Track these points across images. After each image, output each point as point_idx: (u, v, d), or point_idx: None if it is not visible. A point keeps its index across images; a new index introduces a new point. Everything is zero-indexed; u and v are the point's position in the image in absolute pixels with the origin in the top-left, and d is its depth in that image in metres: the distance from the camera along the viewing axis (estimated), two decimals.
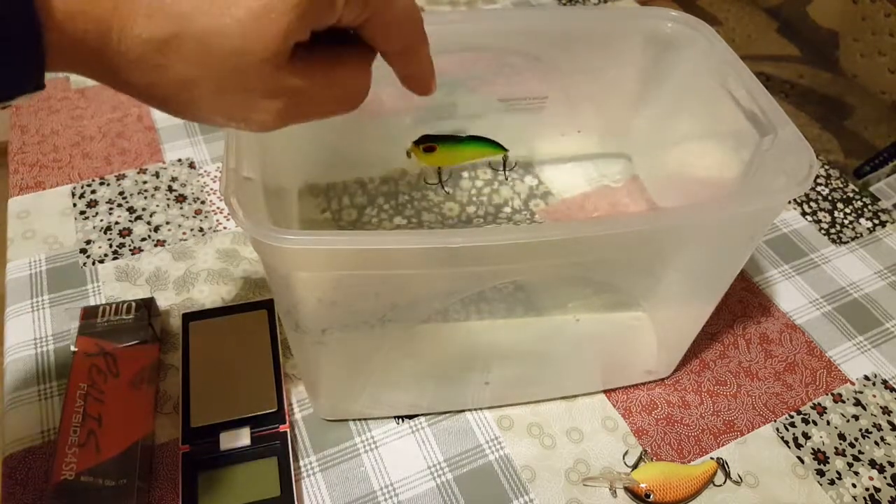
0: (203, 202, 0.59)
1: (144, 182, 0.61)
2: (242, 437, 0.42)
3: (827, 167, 0.67)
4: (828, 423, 0.48)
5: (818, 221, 0.62)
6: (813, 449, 0.47)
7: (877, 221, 0.62)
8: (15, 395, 0.46)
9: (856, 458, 0.47)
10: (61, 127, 0.65)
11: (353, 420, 0.46)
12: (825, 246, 0.60)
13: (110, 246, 0.56)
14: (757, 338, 0.53)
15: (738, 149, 0.42)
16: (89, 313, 0.47)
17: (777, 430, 0.48)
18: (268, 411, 0.44)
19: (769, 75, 0.77)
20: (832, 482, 0.45)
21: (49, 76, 0.23)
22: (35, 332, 0.50)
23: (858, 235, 0.61)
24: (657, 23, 0.47)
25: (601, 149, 0.58)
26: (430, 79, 0.30)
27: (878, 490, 0.45)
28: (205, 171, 0.62)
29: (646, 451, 0.46)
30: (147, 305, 0.48)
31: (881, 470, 0.46)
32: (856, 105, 0.73)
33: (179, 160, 0.63)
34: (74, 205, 0.59)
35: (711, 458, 0.46)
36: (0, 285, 0.55)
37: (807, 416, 0.49)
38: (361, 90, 0.27)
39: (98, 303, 0.51)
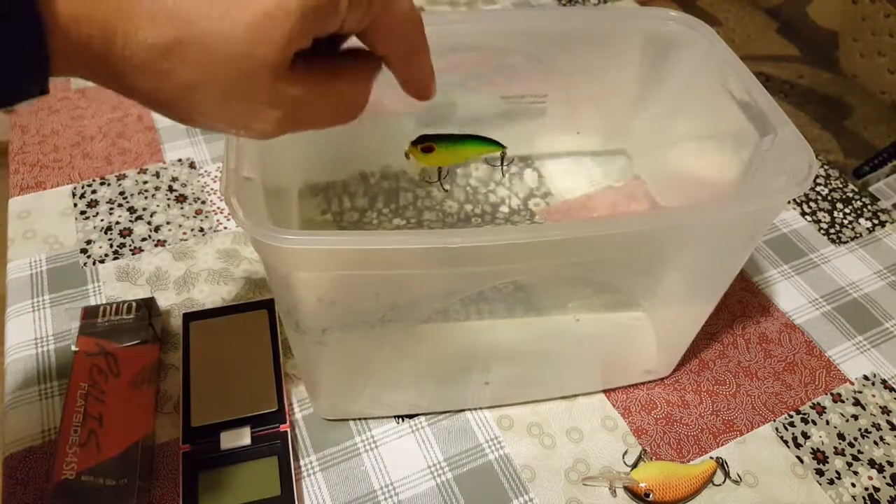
0: (203, 202, 0.59)
1: (145, 182, 0.61)
2: (243, 437, 0.42)
3: (826, 167, 0.67)
4: (827, 422, 0.48)
5: (818, 221, 0.62)
6: (812, 448, 0.47)
7: (876, 221, 0.62)
8: (16, 395, 0.46)
9: (855, 458, 0.47)
10: (62, 127, 0.65)
11: (354, 420, 0.46)
12: (825, 246, 0.60)
13: (111, 246, 0.56)
14: (756, 337, 0.53)
15: (737, 149, 0.42)
16: (90, 313, 0.47)
17: (776, 429, 0.48)
18: (268, 411, 0.44)
19: (769, 75, 0.77)
20: (831, 482, 0.45)
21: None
22: (36, 331, 0.50)
23: (858, 235, 0.61)
24: (657, 23, 0.47)
25: (601, 149, 0.58)
26: (431, 83, 0.30)
27: (877, 490, 0.45)
28: (205, 171, 0.62)
29: (645, 450, 0.46)
30: (148, 305, 0.48)
31: (880, 469, 0.46)
32: (855, 105, 0.73)
33: (180, 160, 0.63)
34: (75, 205, 0.59)
35: (711, 458, 0.46)
36: (1, 285, 0.55)
37: (806, 416, 0.49)
38: (360, 102, 0.28)
39: (99, 303, 0.51)
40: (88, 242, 0.56)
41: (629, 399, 0.49)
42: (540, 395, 0.48)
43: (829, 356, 0.52)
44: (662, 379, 0.50)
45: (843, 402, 0.50)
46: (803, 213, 0.63)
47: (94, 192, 0.60)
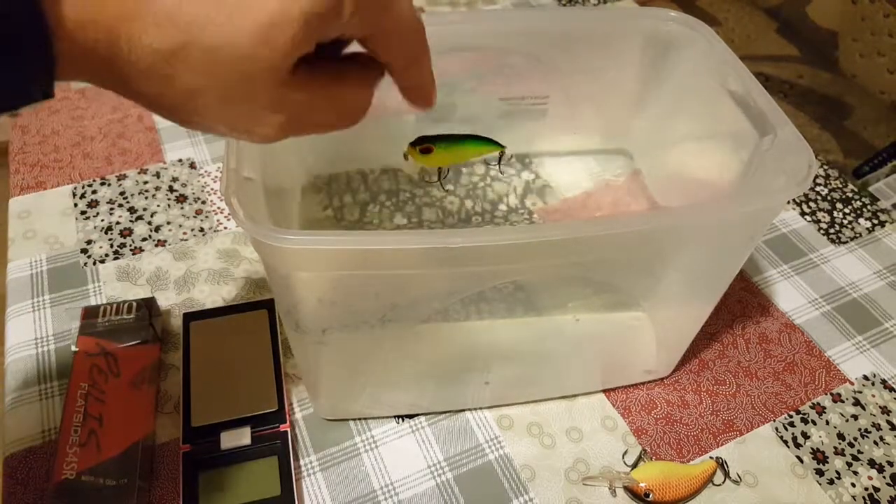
0: (204, 202, 0.60)
1: (145, 182, 0.61)
2: (243, 437, 0.42)
3: (826, 167, 0.68)
4: (827, 422, 0.48)
5: (817, 221, 0.62)
6: (812, 448, 0.47)
7: (876, 221, 0.62)
8: (16, 395, 0.46)
9: (855, 458, 0.47)
10: (62, 127, 0.65)
11: (354, 419, 0.46)
12: (824, 246, 0.60)
13: (111, 246, 0.56)
14: (756, 337, 0.53)
15: (737, 149, 0.42)
16: (90, 313, 0.47)
17: (776, 429, 0.48)
18: (268, 411, 0.44)
19: (768, 75, 0.77)
20: (831, 482, 0.45)
21: None
22: (36, 331, 0.50)
23: (857, 235, 0.61)
24: (657, 23, 0.47)
25: (601, 149, 0.58)
26: (431, 92, 0.30)
27: (877, 490, 0.45)
28: (205, 172, 0.62)
29: (645, 450, 0.46)
30: (148, 305, 0.48)
31: (880, 469, 0.46)
32: (855, 105, 0.73)
33: (180, 160, 0.63)
34: (75, 205, 0.59)
35: (711, 458, 0.46)
36: (1, 285, 0.55)
37: (806, 416, 0.49)
38: (362, 107, 0.28)
39: (99, 303, 0.51)
40: (89, 242, 0.56)
41: (629, 399, 0.49)
42: (540, 394, 0.48)
43: (829, 356, 0.52)
44: (662, 379, 0.50)
45: (842, 402, 0.50)
46: (803, 213, 0.63)
47: (94, 192, 0.60)
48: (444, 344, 0.45)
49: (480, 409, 0.47)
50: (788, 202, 0.64)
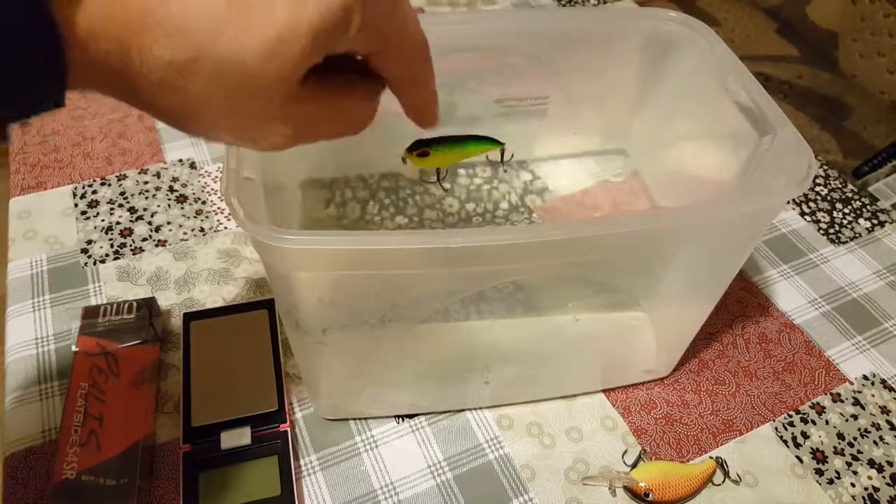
0: (204, 202, 0.60)
1: (145, 182, 0.61)
2: (243, 437, 0.42)
3: (826, 167, 0.68)
4: (826, 422, 0.48)
5: (817, 221, 0.62)
6: (812, 448, 0.47)
7: (875, 221, 0.62)
8: (16, 395, 0.46)
9: (854, 458, 0.47)
10: (62, 127, 0.65)
11: (354, 419, 0.47)
12: (824, 246, 0.60)
13: (111, 246, 0.56)
14: (756, 337, 0.53)
15: (737, 149, 0.42)
16: (90, 313, 0.47)
17: (776, 429, 0.48)
18: (268, 410, 0.44)
19: (768, 75, 0.77)
20: (831, 482, 0.45)
21: None
22: (36, 331, 0.50)
23: (857, 235, 0.61)
24: (656, 23, 0.47)
25: (601, 149, 0.58)
26: (434, 110, 0.30)
27: (876, 489, 0.45)
28: (206, 172, 0.62)
29: (645, 450, 0.46)
30: (148, 305, 0.48)
31: (880, 469, 0.46)
32: (855, 105, 0.73)
33: (180, 160, 0.63)
34: (76, 205, 0.59)
35: (710, 458, 0.46)
36: (1, 285, 0.55)
37: (805, 416, 0.49)
38: (367, 117, 0.28)
39: (99, 303, 0.51)
40: (89, 242, 0.56)
41: (629, 399, 0.49)
42: (540, 394, 0.48)
43: (829, 356, 0.52)
44: (662, 379, 0.50)
45: (842, 401, 0.50)
46: (803, 213, 0.63)
47: (94, 192, 0.60)
48: (444, 344, 0.45)
49: (480, 408, 0.48)
50: (788, 202, 0.64)
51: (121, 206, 0.59)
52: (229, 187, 0.31)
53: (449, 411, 0.47)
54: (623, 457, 0.46)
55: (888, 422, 0.49)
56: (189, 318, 0.48)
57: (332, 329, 0.38)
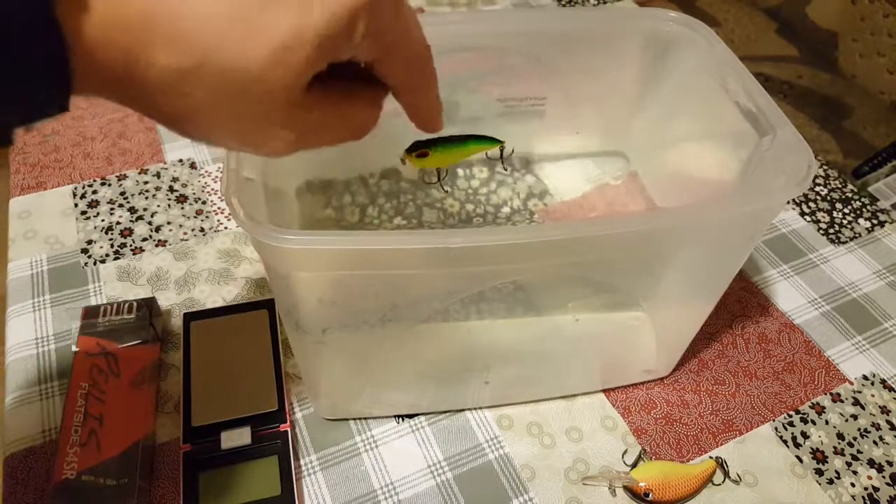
0: (204, 202, 0.60)
1: (146, 182, 0.61)
2: (243, 437, 0.42)
3: (826, 167, 0.68)
4: (826, 422, 0.49)
5: (817, 221, 0.62)
6: (812, 448, 0.47)
7: (875, 221, 0.62)
8: (16, 395, 0.46)
9: (854, 458, 0.47)
10: (62, 127, 0.65)
11: (354, 419, 0.47)
12: (824, 246, 0.60)
13: (111, 246, 0.56)
14: (756, 337, 0.53)
15: (737, 149, 0.42)
16: (90, 313, 0.47)
17: (776, 429, 0.48)
18: (268, 410, 0.44)
19: (768, 76, 0.77)
20: (831, 481, 0.45)
21: None
22: (36, 331, 0.50)
23: (857, 235, 0.61)
24: (656, 24, 0.47)
25: (601, 149, 0.58)
26: (436, 117, 0.31)
27: (876, 489, 0.45)
28: (206, 172, 0.62)
29: (645, 450, 0.46)
30: (148, 305, 0.48)
31: (880, 469, 0.46)
32: (855, 105, 0.73)
33: (180, 160, 0.63)
34: (76, 205, 0.59)
35: (710, 458, 0.46)
36: (1, 285, 0.55)
37: (805, 416, 0.49)
38: (370, 124, 0.29)
39: (99, 303, 0.51)
40: (89, 242, 0.56)
41: (629, 399, 0.49)
42: (540, 394, 0.48)
43: (829, 356, 0.52)
44: (662, 379, 0.50)
45: (842, 401, 0.50)
46: (802, 214, 0.63)
47: (94, 192, 0.60)
48: (444, 344, 0.45)
49: (480, 408, 0.48)
50: (788, 202, 0.64)
51: (121, 206, 0.59)
52: (229, 187, 0.32)
53: (449, 411, 0.47)
54: (623, 457, 0.46)
55: (888, 422, 0.49)
56: (189, 318, 0.48)
57: (332, 329, 0.38)
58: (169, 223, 0.58)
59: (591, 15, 0.56)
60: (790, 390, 0.50)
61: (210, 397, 0.44)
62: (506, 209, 0.56)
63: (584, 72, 0.51)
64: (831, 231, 0.61)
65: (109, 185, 0.60)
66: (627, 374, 0.49)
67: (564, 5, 0.86)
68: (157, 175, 0.61)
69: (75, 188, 0.60)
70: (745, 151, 0.41)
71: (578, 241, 0.33)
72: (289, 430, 0.43)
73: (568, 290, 0.44)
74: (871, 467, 0.46)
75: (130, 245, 0.56)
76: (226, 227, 0.58)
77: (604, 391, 0.49)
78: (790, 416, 0.49)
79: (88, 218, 0.58)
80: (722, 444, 0.47)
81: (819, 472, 0.46)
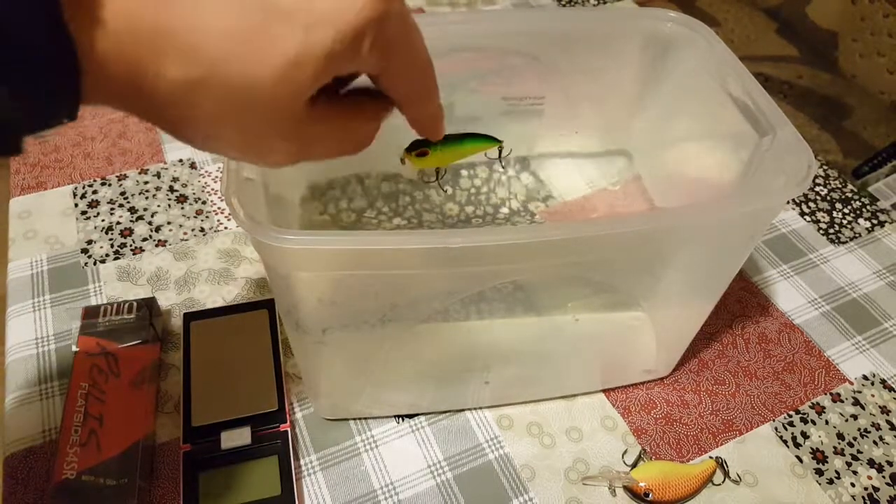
0: (204, 202, 0.60)
1: (146, 182, 0.61)
2: (243, 437, 0.42)
3: (826, 167, 0.68)
4: (826, 422, 0.49)
5: (817, 221, 0.62)
6: (812, 448, 0.47)
7: (875, 221, 0.62)
8: (16, 395, 0.46)
9: (854, 458, 0.47)
10: (62, 127, 0.65)
11: (354, 419, 0.47)
12: (824, 246, 0.60)
13: (111, 246, 0.56)
14: (756, 337, 0.53)
15: (737, 149, 0.42)
16: (90, 313, 0.47)
17: (776, 429, 0.48)
18: (268, 410, 0.44)
19: (768, 76, 0.77)
20: (831, 481, 0.45)
21: None
22: (36, 331, 0.50)
23: (857, 235, 0.61)
24: (656, 24, 0.47)
25: (601, 149, 0.58)
26: (438, 125, 0.31)
27: (876, 489, 0.45)
28: (206, 172, 0.62)
29: (645, 450, 0.46)
30: (148, 305, 0.48)
31: (880, 469, 0.46)
32: (855, 105, 0.73)
33: (181, 160, 0.63)
34: (76, 205, 0.59)
35: (710, 458, 0.46)
36: (1, 285, 0.55)
37: (805, 416, 0.49)
38: (369, 138, 0.29)
39: (99, 303, 0.51)
40: (89, 242, 0.56)
41: (629, 399, 0.49)
42: (540, 394, 0.48)
43: (829, 356, 0.52)
44: (662, 379, 0.50)
45: (842, 401, 0.50)
46: (802, 214, 0.63)
47: (94, 192, 0.60)
48: (444, 344, 0.45)
49: (480, 408, 0.48)
50: (788, 202, 0.64)
51: (121, 206, 0.59)
52: (229, 187, 0.32)
53: (449, 411, 0.47)
54: (623, 457, 0.46)
55: (888, 422, 0.49)
56: (189, 318, 0.48)
57: (332, 329, 0.38)
58: (169, 223, 0.58)
59: (591, 15, 0.56)
60: (790, 390, 0.50)
61: (210, 397, 0.44)
62: (505, 209, 0.56)
63: (584, 72, 0.51)
64: (831, 231, 0.61)
65: (109, 185, 0.60)
66: (627, 374, 0.49)
67: (564, 5, 0.86)
68: (158, 175, 0.61)
69: (75, 188, 0.60)
70: (745, 151, 0.41)
71: (578, 241, 0.33)
72: (289, 430, 0.43)
73: (568, 290, 0.44)
74: (871, 467, 0.46)
75: (130, 245, 0.56)
76: (226, 227, 0.58)
77: (604, 391, 0.49)
78: (790, 416, 0.49)
79: (88, 218, 0.58)
80: (722, 444, 0.47)
81: (819, 472, 0.46)
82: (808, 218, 0.62)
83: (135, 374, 0.44)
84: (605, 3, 0.87)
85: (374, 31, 0.23)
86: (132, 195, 0.60)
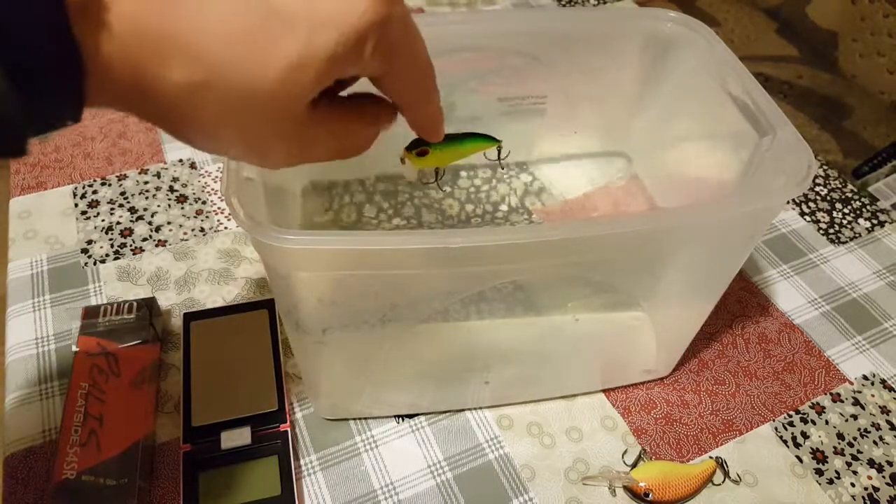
0: (204, 202, 0.60)
1: (146, 182, 0.61)
2: (243, 437, 0.42)
3: (826, 167, 0.68)
4: (826, 422, 0.49)
5: (817, 221, 0.62)
6: (812, 448, 0.47)
7: (875, 221, 0.62)
8: (16, 395, 0.46)
9: (854, 458, 0.47)
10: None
11: (354, 419, 0.47)
12: (824, 246, 0.60)
13: (111, 246, 0.56)
14: (756, 337, 0.53)
15: (737, 149, 0.42)
16: (90, 313, 0.47)
17: (776, 429, 0.48)
18: (268, 410, 0.44)
19: (768, 76, 0.77)
20: (831, 481, 0.45)
21: None
22: (36, 331, 0.50)
23: (857, 235, 0.61)
24: (656, 24, 0.47)
25: (600, 149, 0.59)
26: (439, 127, 0.32)
27: (876, 489, 0.45)
28: (206, 172, 0.62)
29: (645, 450, 0.46)
30: (148, 305, 0.48)
31: (880, 469, 0.46)
32: (854, 105, 0.73)
33: (181, 160, 0.63)
34: (76, 205, 0.59)
35: (710, 458, 0.46)
36: (1, 285, 0.56)
37: (805, 416, 0.49)
38: (368, 143, 0.29)
39: (99, 303, 0.51)
40: (89, 242, 0.56)
41: (629, 399, 0.49)
42: (540, 394, 0.48)
43: (829, 356, 0.52)
44: (662, 379, 0.50)
45: (842, 401, 0.50)
46: (802, 214, 0.63)
47: (94, 192, 0.60)
48: (444, 344, 0.45)
49: (480, 408, 0.48)
50: (788, 202, 0.64)
51: (121, 206, 0.59)
52: (229, 187, 0.32)
53: (449, 411, 0.47)
54: (623, 457, 0.46)
55: (888, 422, 0.49)
56: (189, 318, 0.48)
57: (332, 329, 0.38)
58: (169, 223, 0.58)
59: (591, 15, 0.56)
60: (790, 390, 0.50)
61: (210, 397, 0.44)
62: (503, 207, 0.56)
63: (584, 72, 0.51)
64: (831, 231, 0.61)
65: (109, 185, 0.60)
66: (627, 374, 0.49)
67: (564, 5, 0.86)
68: (158, 175, 0.61)
69: (75, 188, 0.60)
70: (745, 151, 0.41)
71: (578, 241, 0.33)
72: (289, 430, 0.43)
73: (568, 290, 0.44)
74: (871, 467, 0.46)
75: (130, 245, 0.56)
76: (226, 227, 0.58)
77: (604, 391, 0.49)
78: (790, 416, 0.49)
79: (88, 218, 0.58)
80: (722, 444, 0.47)
81: (819, 472, 0.46)
82: (808, 218, 0.62)
83: (135, 374, 0.44)
84: (605, 3, 0.87)
85: (377, 34, 0.23)
86: (132, 195, 0.60)
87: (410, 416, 0.47)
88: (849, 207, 0.64)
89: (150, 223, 0.58)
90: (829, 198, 0.65)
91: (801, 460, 0.46)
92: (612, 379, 0.49)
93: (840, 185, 0.66)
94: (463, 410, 0.47)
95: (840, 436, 0.48)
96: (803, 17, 0.77)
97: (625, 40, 0.49)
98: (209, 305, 0.52)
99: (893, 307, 0.56)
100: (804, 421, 0.48)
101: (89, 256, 0.55)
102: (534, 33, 0.48)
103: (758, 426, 0.48)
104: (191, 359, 0.46)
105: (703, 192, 0.48)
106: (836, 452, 0.47)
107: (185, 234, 0.57)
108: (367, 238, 0.31)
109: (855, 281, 0.58)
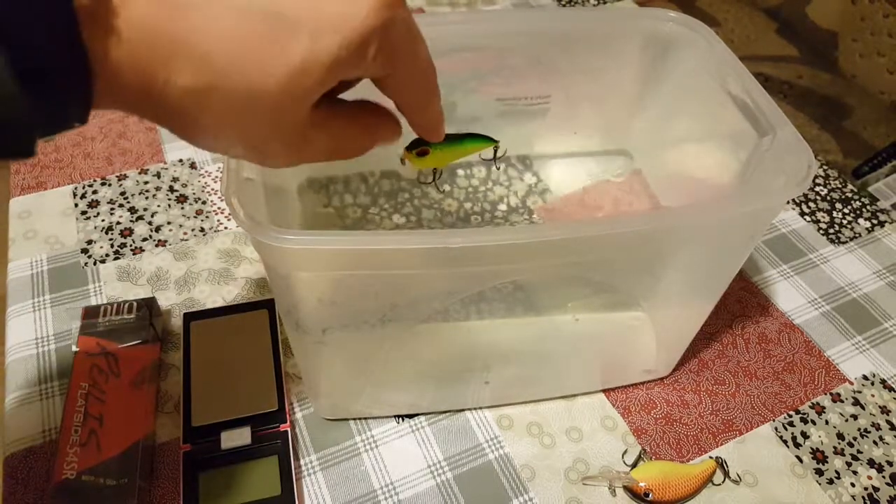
0: (204, 202, 0.60)
1: (146, 182, 0.61)
2: (243, 437, 0.42)
3: (826, 167, 0.68)
4: (826, 422, 0.49)
5: (817, 221, 0.62)
6: (812, 448, 0.47)
7: (875, 221, 0.62)
8: (16, 395, 0.46)
9: (854, 458, 0.47)
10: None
11: (354, 419, 0.47)
12: (824, 246, 0.60)
13: (111, 246, 0.56)
14: (756, 337, 0.53)
15: (737, 149, 0.42)
16: (90, 313, 0.47)
17: (776, 429, 0.48)
18: (268, 410, 0.44)
19: (768, 76, 0.77)
20: (831, 481, 0.45)
21: None
22: (36, 331, 0.50)
23: (857, 235, 0.61)
24: (656, 24, 0.47)
25: (601, 149, 0.59)
26: (439, 128, 0.32)
27: (876, 489, 0.45)
28: (206, 172, 0.62)
29: (645, 450, 0.46)
30: (148, 305, 0.48)
31: (880, 469, 0.46)
32: (855, 105, 0.73)
33: (181, 160, 0.63)
34: (76, 205, 0.59)
35: (710, 458, 0.46)
36: (1, 285, 0.55)
37: (805, 416, 0.49)
38: (366, 148, 0.30)
39: (99, 303, 0.51)
40: (89, 242, 0.56)
41: (629, 399, 0.49)
42: (540, 394, 0.48)
43: (829, 356, 0.52)
44: (662, 379, 0.50)
45: (842, 401, 0.50)
46: (802, 214, 0.63)
47: (94, 192, 0.60)
48: (444, 344, 0.45)
49: (480, 408, 0.48)
50: (788, 202, 0.64)
51: (121, 206, 0.59)
52: (229, 187, 0.32)
53: (449, 411, 0.47)
54: (623, 457, 0.46)
55: (888, 422, 0.49)
56: (189, 318, 0.48)
57: (332, 329, 0.38)
58: (169, 223, 0.58)
59: (591, 15, 0.56)
60: (790, 390, 0.50)
61: (210, 397, 0.44)
62: (503, 206, 0.56)
63: (584, 72, 0.51)
64: (831, 231, 0.61)
65: (109, 185, 0.60)
66: (627, 374, 0.49)
67: (564, 5, 0.86)
68: (158, 175, 0.61)
69: (75, 188, 0.60)
70: (745, 151, 0.41)
71: (578, 241, 0.33)
72: (289, 430, 0.43)
73: (568, 290, 0.44)
74: (871, 467, 0.46)
75: (130, 245, 0.56)
76: (226, 227, 0.58)
77: (604, 391, 0.49)
78: (790, 416, 0.49)
79: (88, 218, 0.58)
80: (722, 444, 0.47)
81: (819, 472, 0.46)
82: (808, 218, 0.62)
83: (135, 374, 0.44)
84: (605, 3, 0.87)
85: (380, 37, 0.24)
86: (132, 195, 0.60)
87: (410, 416, 0.47)
88: (849, 207, 0.64)
89: (150, 223, 0.58)
90: (829, 198, 0.65)
91: (801, 460, 0.46)
92: (612, 379, 0.49)
93: (840, 185, 0.66)
94: (463, 410, 0.47)
95: (840, 436, 0.48)
96: (803, 17, 0.77)
97: (625, 40, 0.49)
98: (209, 305, 0.52)
99: (893, 307, 0.56)
100: (804, 421, 0.48)
101: (89, 256, 0.55)
102: (534, 33, 0.48)
103: (758, 426, 0.48)
104: (191, 359, 0.46)
105: (703, 192, 0.48)
106: (836, 452, 0.47)
107: (185, 234, 0.57)
108: (367, 238, 0.31)
109: (855, 281, 0.58)
